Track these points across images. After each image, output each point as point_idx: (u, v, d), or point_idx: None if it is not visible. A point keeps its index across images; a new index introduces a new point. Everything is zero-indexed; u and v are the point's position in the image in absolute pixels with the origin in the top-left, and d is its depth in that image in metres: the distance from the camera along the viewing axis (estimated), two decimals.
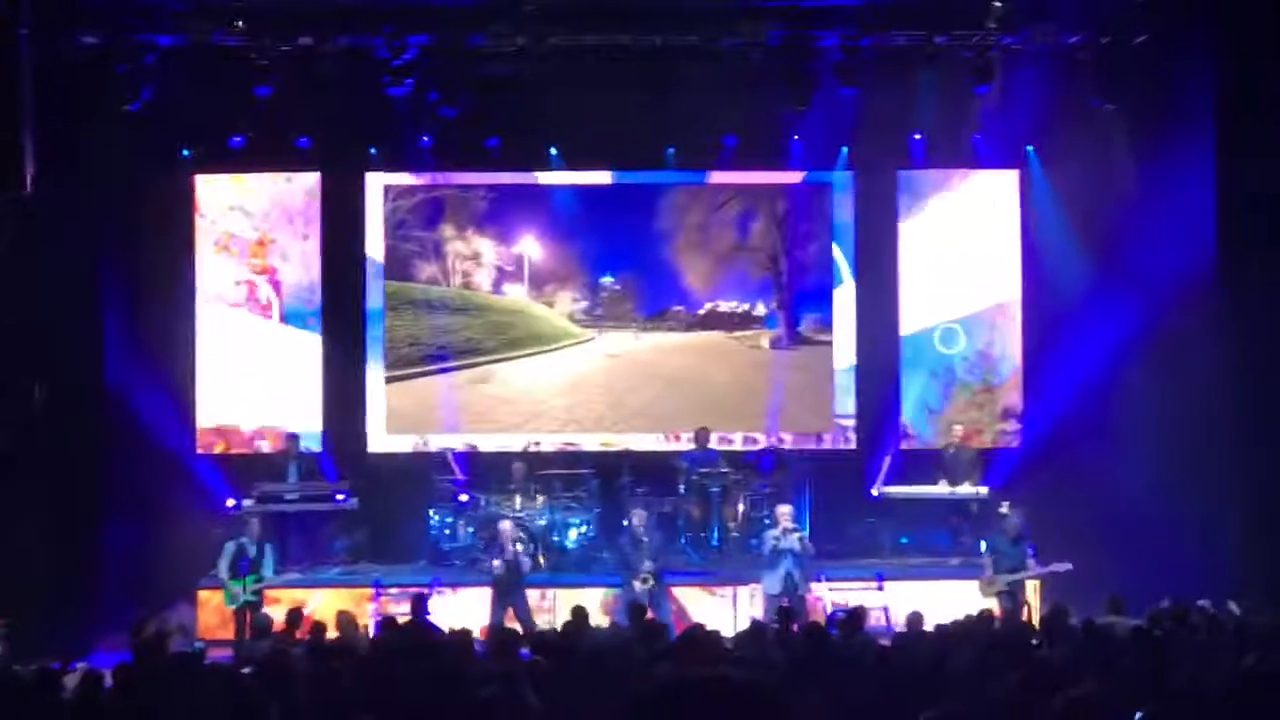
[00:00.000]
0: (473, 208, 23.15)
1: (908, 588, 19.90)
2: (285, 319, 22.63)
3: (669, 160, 22.68)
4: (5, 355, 18.76)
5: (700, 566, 20.75)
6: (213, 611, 19.55)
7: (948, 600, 19.37)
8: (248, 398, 22.53)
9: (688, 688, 3.71)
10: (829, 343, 23.05)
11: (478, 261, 23.14)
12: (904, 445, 22.60)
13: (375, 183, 22.88)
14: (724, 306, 23.29)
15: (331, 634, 15.03)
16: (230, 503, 21.06)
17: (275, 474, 21.33)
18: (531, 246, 23.17)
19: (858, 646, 13.42)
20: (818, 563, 19.28)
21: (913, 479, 21.75)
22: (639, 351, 23.22)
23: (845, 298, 23.00)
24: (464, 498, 21.46)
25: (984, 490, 21.10)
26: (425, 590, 17.92)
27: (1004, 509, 19.67)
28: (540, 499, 21.34)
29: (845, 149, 22.51)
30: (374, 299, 22.87)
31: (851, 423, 22.98)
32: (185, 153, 21.95)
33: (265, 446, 22.41)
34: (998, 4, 20.02)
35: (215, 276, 22.56)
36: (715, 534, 21.40)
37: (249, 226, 22.62)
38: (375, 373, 22.86)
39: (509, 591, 18.55)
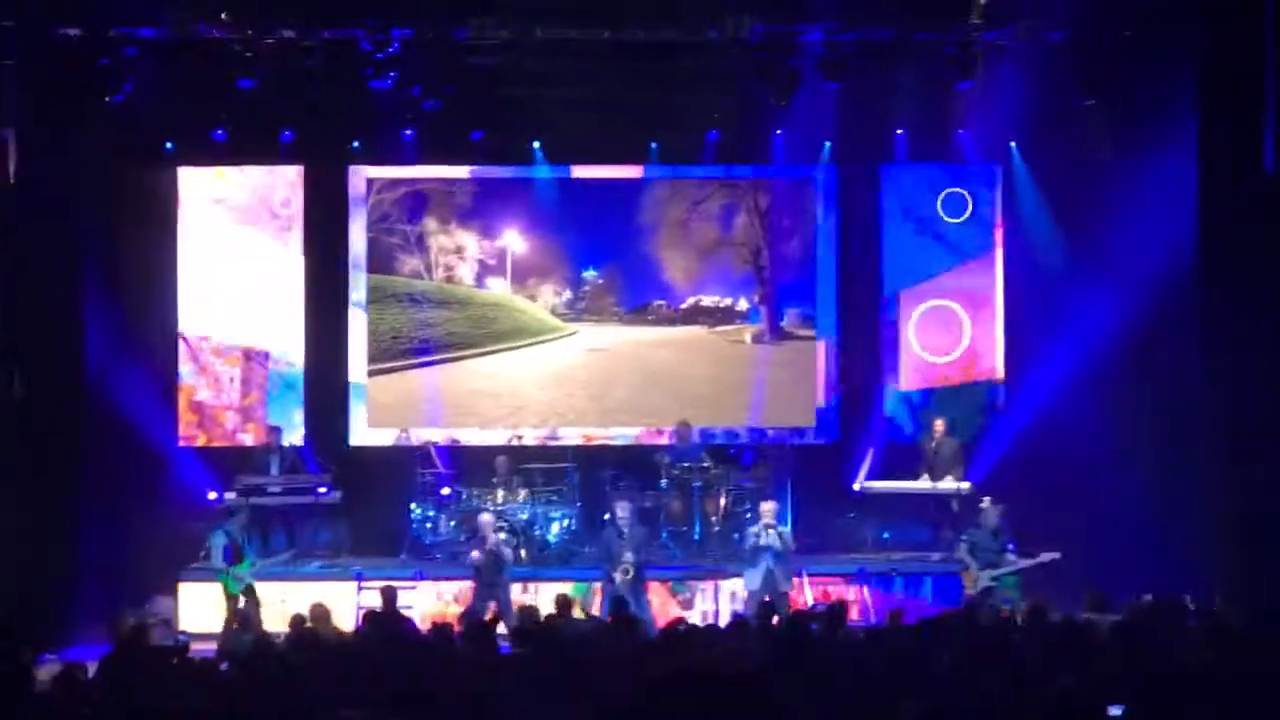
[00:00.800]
0: (455, 201, 23.15)
1: (889, 582, 19.96)
2: (267, 310, 22.58)
3: (652, 155, 22.68)
4: None
5: (681, 560, 20.77)
6: (194, 604, 19.56)
7: (930, 595, 19.47)
8: (228, 387, 22.52)
9: (681, 682, 3.72)
10: (811, 337, 23.04)
11: (460, 255, 23.13)
12: (886, 440, 22.60)
13: (358, 176, 22.86)
14: (706, 301, 23.29)
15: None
16: (212, 495, 21.05)
17: (257, 467, 21.31)
18: (514, 240, 23.15)
19: (838, 641, 13.45)
20: (798, 557, 19.31)
21: (895, 474, 21.79)
22: (621, 345, 23.21)
23: (827, 292, 22.99)
24: (446, 491, 21.48)
25: (966, 485, 21.12)
26: (391, 584, 17.92)
27: (984, 504, 19.69)
28: (522, 493, 21.36)
29: (828, 144, 22.51)
30: (356, 292, 22.84)
31: (833, 417, 22.97)
32: (168, 145, 21.93)
33: (247, 439, 22.40)
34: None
35: (197, 268, 22.50)
36: (697, 528, 21.42)
37: (231, 219, 22.58)
38: (359, 364, 22.84)
39: (491, 583, 18.56)
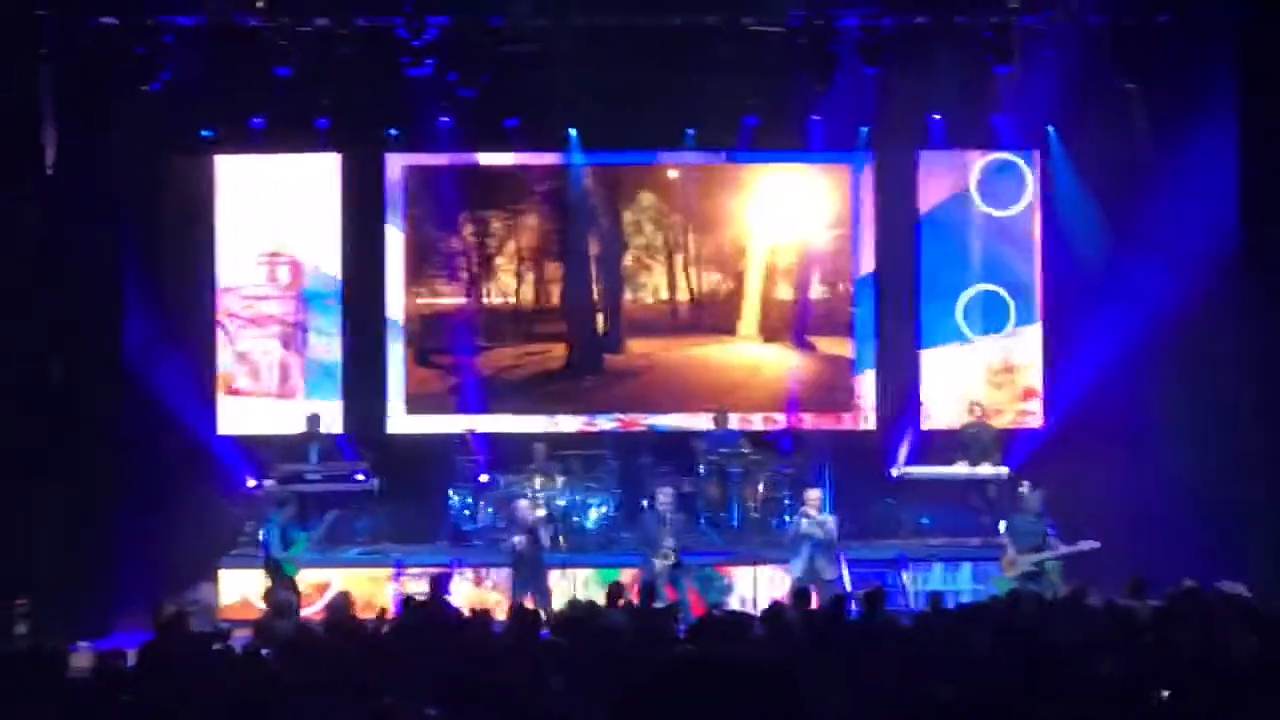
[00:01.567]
0: (493, 188, 23.14)
1: (928, 568, 19.94)
2: (305, 300, 22.66)
3: (688, 141, 22.64)
4: (26, 335, 18.79)
5: (720, 547, 20.76)
6: (234, 591, 19.64)
7: (969, 581, 19.42)
8: (267, 381, 22.57)
9: (703, 667, 3.71)
10: (849, 324, 23.00)
11: (506, 237, 23.11)
12: (924, 425, 22.55)
13: (395, 163, 22.88)
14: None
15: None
16: (251, 483, 21.12)
17: (296, 455, 21.34)
18: (557, 223, 23.15)
19: (877, 627, 13.43)
20: (839, 544, 19.28)
21: (932, 459, 21.75)
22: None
23: (865, 279, 22.96)
24: (484, 478, 21.49)
25: (1004, 470, 21.07)
26: (446, 570, 17.91)
27: (1023, 489, 19.64)
28: (560, 479, 21.37)
29: (865, 129, 22.44)
30: (395, 278, 22.86)
31: (871, 403, 22.93)
32: (205, 133, 21.95)
33: (285, 428, 22.43)
34: None
35: (235, 256, 22.57)
36: (734, 515, 21.39)
37: (269, 207, 22.62)
38: (395, 353, 22.87)
39: (529, 570, 18.56)
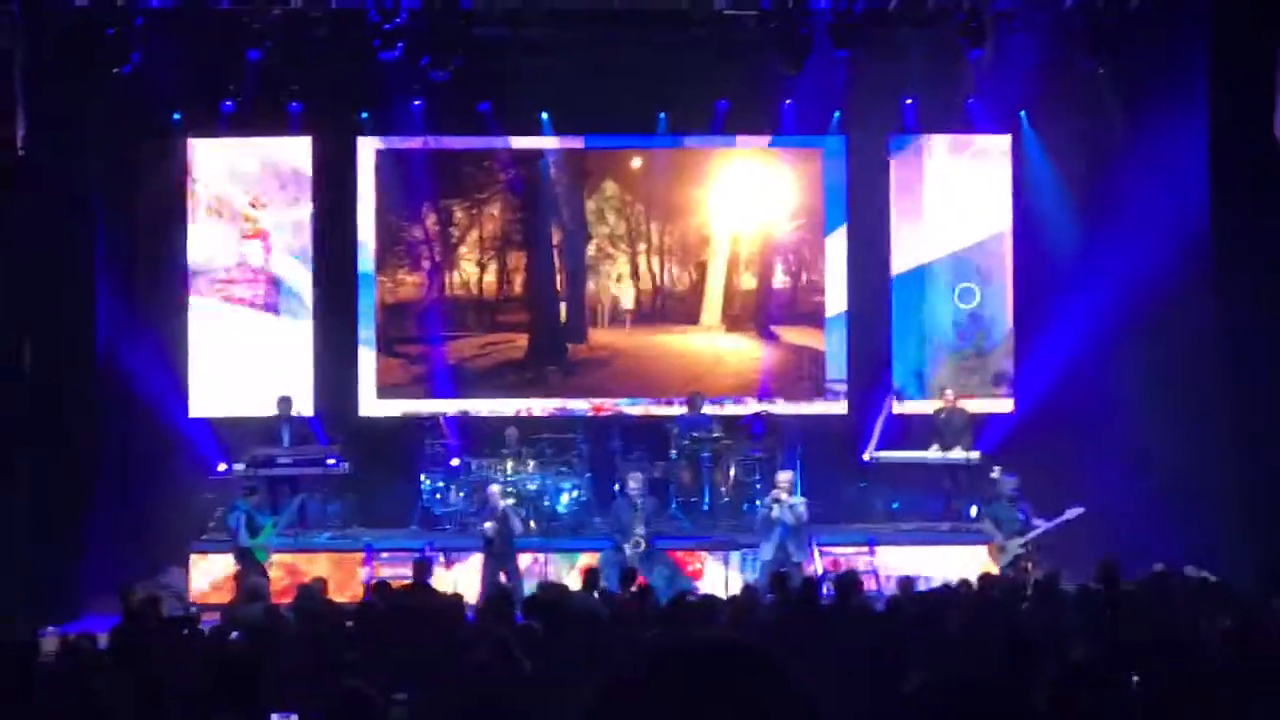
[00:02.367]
0: (457, 177, 23.10)
1: (899, 552, 19.98)
2: (276, 283, 22.58)
3: (660, 124, 22.62)
4: None
5: (691, 531, 20.77)
6: (204, 575, 19.61)
7: (939, 565, 19.45)
8: (238, 361, 22.49)
9: (689, 649, 3.69)
10: (820, 307, 23.00)
11: (469, 226, 23.08)
12: (895, 410, 22.56)
13: (367, 147, 22.80)
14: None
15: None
16: (221, 467, 21.06)
17: (268, 437, 21.27)
18: (520, 212, 23.12)
19: (850, 610, 13.45)
20: (809, 527, 19.29)
21: (904, 444, 21.77)
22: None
23: (837, 263, 22.95)
24: (455, 462, 21.47)
25: (975, 455, 21.09)
26: (427, 554, 17.83)
27: (994, 474, 19.68)
28: (532, 464, 21.36)
29: (837, 113, 22.43)
30: (365, 263, 22.81)
31: (843, 387, 22.94)
32: (176, 116, 21.86)
33: (256, 411, 22.36)
34: None
35: (207, 239, 22.50)
36: (706, 499, 21.39)
37: (240, 190, 22.56)
38: (366, 338, 22.82)
39: (500, 554, 18.56)
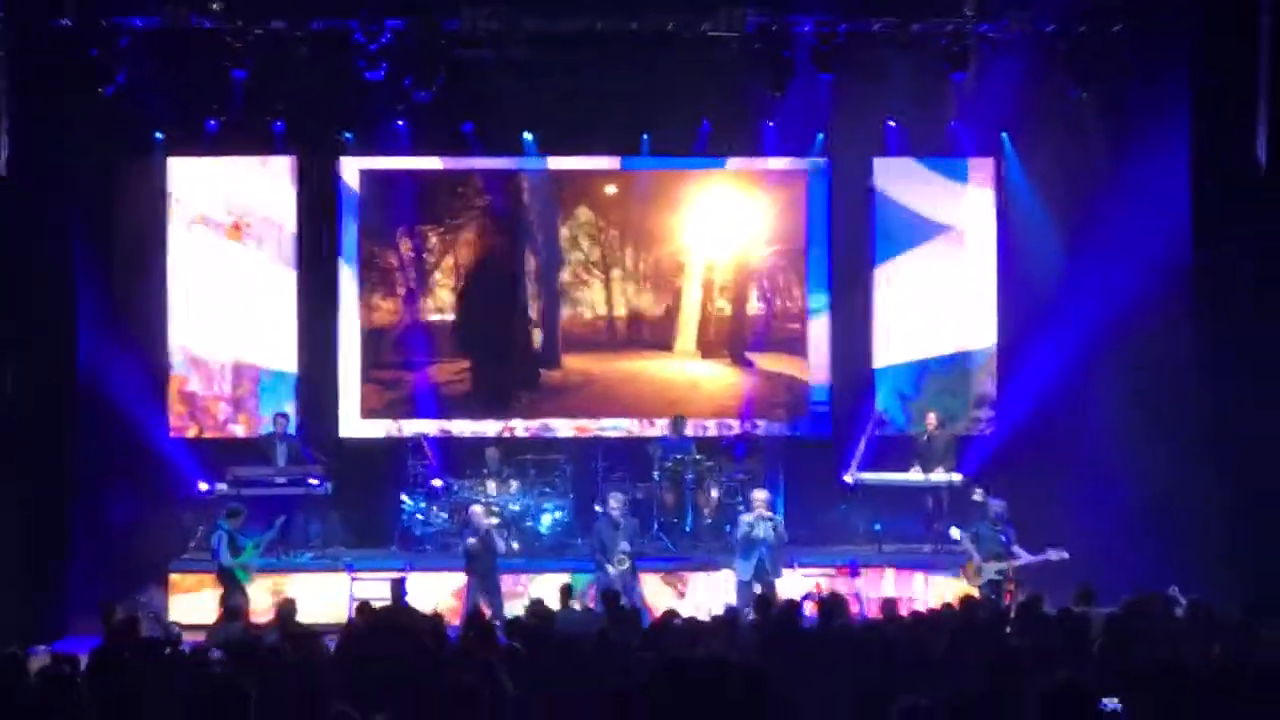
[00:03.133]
0: (448, 193, 23.09)
1: (881, 575, 19.98)
2: (260, 303, 22.52)
3: (643, 146, 22.62)
4: None
5: (674, 553, 20.76)
6: (184, 595, 19.56)
7: (921, 587, 19.45)
8: (219, 383, 22.47)
9: (688, 669, 3.71)
10: (804, 330, 23.01)
11: (444, 252, 23.04)
12: (878, 432, 22.55)
13: (350, 167, 22.77)
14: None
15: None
16: (203, 486, 21.01)
17: (262, 454, 21.23)
18: (495, 237, 23.08)
19: (834, 633, 13.44)
20: (791, 548, 19.28)
21: (887, 466, 21.77)
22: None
23: (820, 282, 22.96)
24: (437, 483, 21.45)
25: (958, 477, 21.11)
26: (402, 574, 17.82)
27: (977, 496, 19.70)
28: (514, 484, 21.35)
29: (820, 135, 22.47)
30: (348, 284, 22.77)
31: (826, 409, 22.93)
32: (158, 136, 21.85)
33: (238, 430, 22.35)
34: None
35: (188, 260, 22.44)
36: (689, 520, 21.38)
37: (223, 210, 22.52)
38: (348, 359, 22.77)
39: (482, 574, 18.51)
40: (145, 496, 21.15)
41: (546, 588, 18.64)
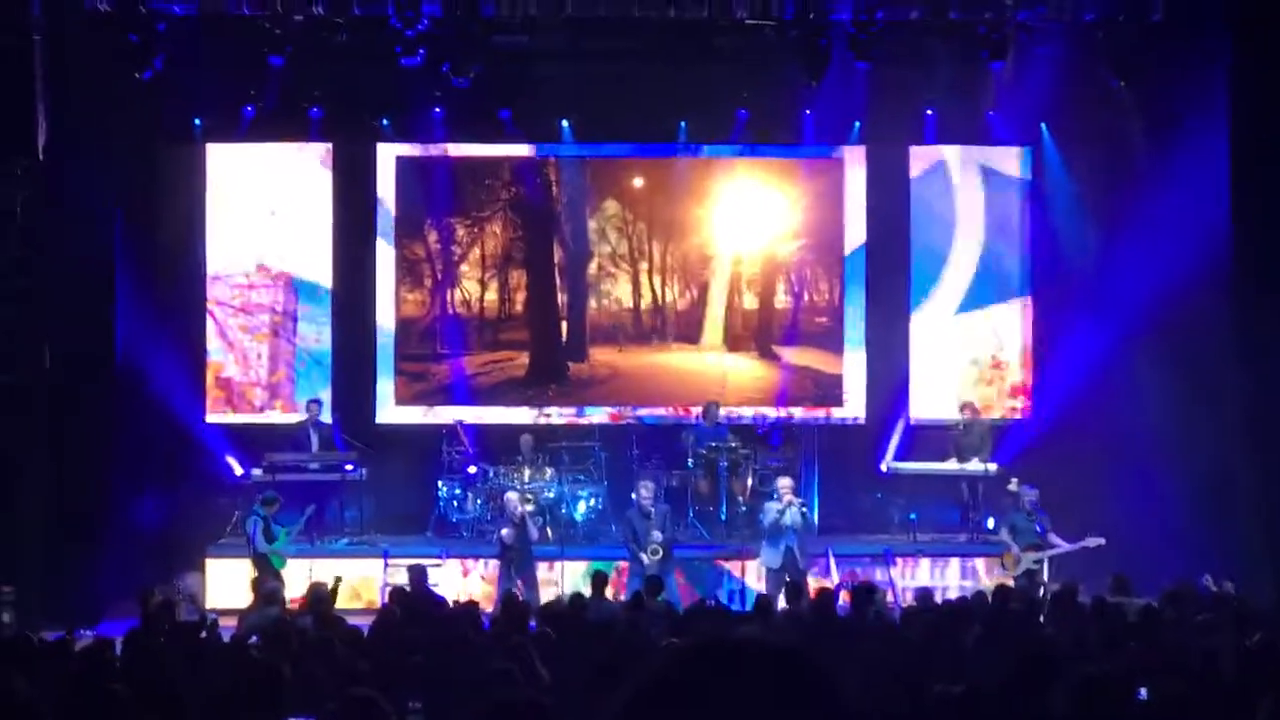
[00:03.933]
0: (477, 185, 23.10)
1: (915, 564, 19.95)
2: (295, 289, 22.60)
3: (680, 133, 22.60)
4: (17, 322, 18.79)
5: (708, 541, 20.75)
6: (221, 580, 19.61)
7: (956, 576, 19.42)
8: (256, 369, 22.55)
9: (724, 649, 3.67)
10: (824, 328, 22.97)
11: (471, 244, 23.05)
12: (913, 420, 22.51)
13: (387, 153, 22.80)
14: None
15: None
16: (239, 472, 21.08)
17: (296, 442, 21.28)
18: (522, 230, 23.09)
19: (866, 621, 13.44)
20: (825, 538, 19.26)
21: (922, 455, 21.72)
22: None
23: (855, 270, 22.90)
24: (472, 470, 21.46)
25: (993, 466, 21.04)
26: (422, 562, 17.83)
27: (1012, 485, 19.65)
28: (548, 471, 21.34)
29: (857, 123, 22.42)
30: (385, 270, 22.80)
31: (861, 398, 22.89)
32: (197, 122, 21.90)
33: (275, 416, 22.40)
34: None
35: (225, 245, 22.51)
36: (723, 508, 21.34)
37: (260, 197, 22.56)
38: (384, 347, 22.79)
39: (517, 561, 18.54)
40: (182, 481, 21.23)
41: (580, 575, 18.66)
